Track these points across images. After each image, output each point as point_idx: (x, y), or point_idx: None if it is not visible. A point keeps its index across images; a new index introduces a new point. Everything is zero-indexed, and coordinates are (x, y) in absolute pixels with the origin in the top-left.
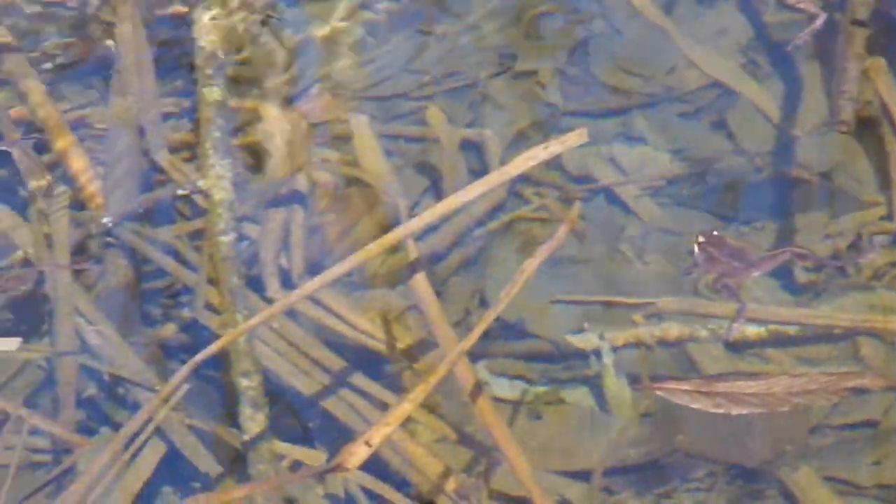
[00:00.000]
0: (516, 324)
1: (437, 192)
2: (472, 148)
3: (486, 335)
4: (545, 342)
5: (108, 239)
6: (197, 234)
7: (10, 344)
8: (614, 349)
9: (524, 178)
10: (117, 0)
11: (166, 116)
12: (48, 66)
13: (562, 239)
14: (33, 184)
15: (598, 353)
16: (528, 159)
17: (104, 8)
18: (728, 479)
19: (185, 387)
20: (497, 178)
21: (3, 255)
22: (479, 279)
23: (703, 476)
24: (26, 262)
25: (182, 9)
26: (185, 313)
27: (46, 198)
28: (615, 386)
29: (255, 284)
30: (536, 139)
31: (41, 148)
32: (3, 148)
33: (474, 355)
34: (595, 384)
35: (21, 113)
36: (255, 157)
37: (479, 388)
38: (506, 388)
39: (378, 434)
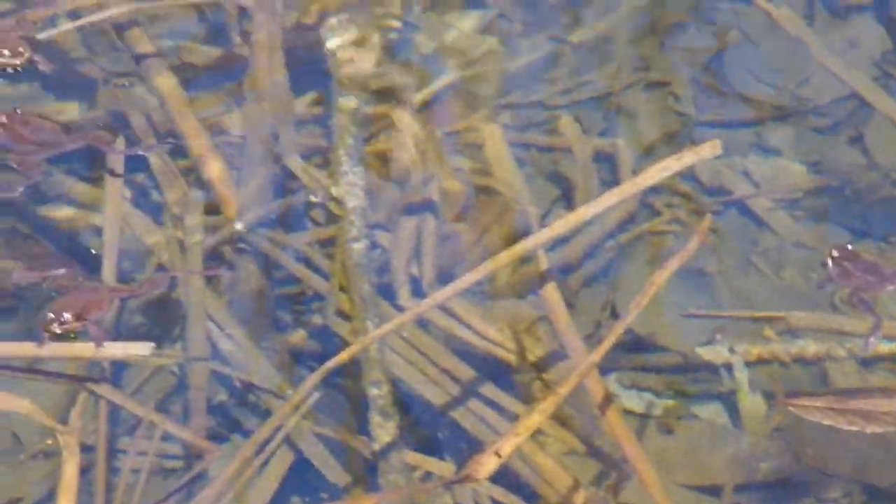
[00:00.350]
0: (647, 337)
1: (569, 202)
2: (604, 158)
3: (616, 347)
4: (675, 355)
5: (241, 245)
6: (329, 241)
7: (143, 349)
8: (747, 364)
9: (656, 189)
10: (254, 8)
11: (300, 123)
12: (186, 72)
13: (692, 251)
14: (168, 189)
15: (729, 368)
16: (661, 170)
17: (241, 16)
18: (863, 500)
19: (315, 394)
20: (629, 189)
21: (138, 260)
22: (609, 291)
23: (839, 496)
24: (160, 268)
25: (316, 17)
26: (316, 320)
27: (181, 203)
28: (749, 401)
29: (386, 292)
30: (669, 150)
31: (177, 153)
32: (140, 153)
33: (604, 368)
34: (727, 399)
35: (158, 118)
36: (388, 165)
37: (608, 400)
38: (635, 401)
39: (507, 445)
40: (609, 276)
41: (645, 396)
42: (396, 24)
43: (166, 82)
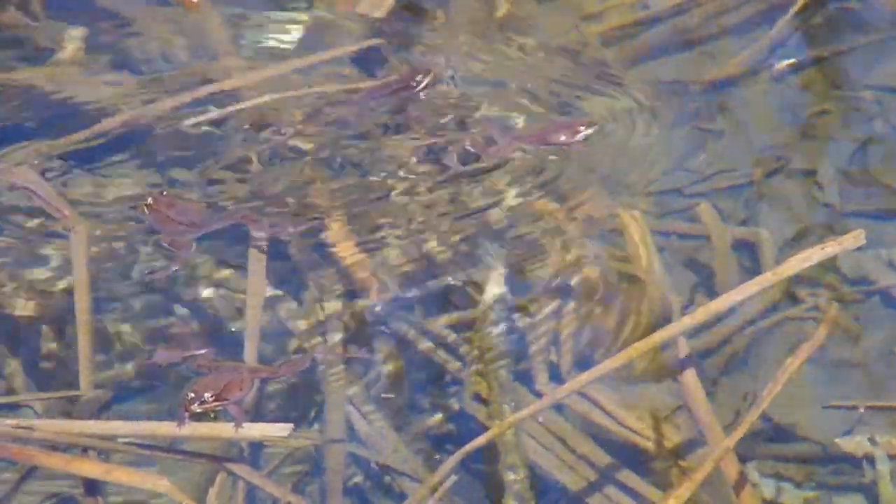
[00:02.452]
0: (788, 426)
1: (708, 289)
2: (745, 246)
3: (756, 436)
4: (816, 446)
5: (380, 328)
6: (467, 325)
7: (282, 430)
8: (889, 456)
9: (798, 278)
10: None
11: (444, 206)
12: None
13: (821, 340)
14: (309, 272)
15: (871, 459)
16: (803, 260)
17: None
18: None
19: (452, 478)
20: (771, 278)
21: (278, 341)
22: (750, 379)
23: None
24: (300, 350)
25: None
26: (454, 404)
27: (321, 286)
28: (891, 493)
29: (524, 377)
30: (812, 240)
31: (318, 236)
32: (283, 236)
33: (744, 456)
34: (868, 490)
35: (299, 201)
36: (529, 250)
37: (746, 487)
38: (773, 490)
39: None
40: (749, 364)
41: (785, 486)
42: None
43: (306, 166)
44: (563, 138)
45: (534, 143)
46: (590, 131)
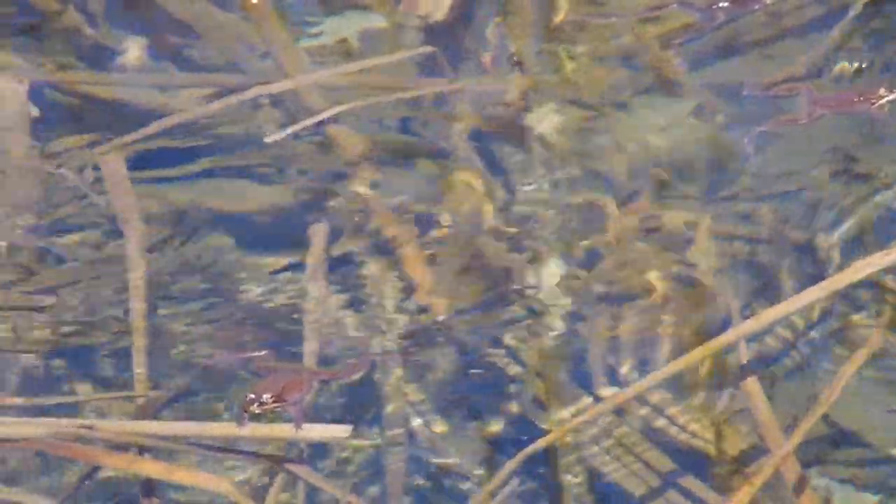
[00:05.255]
0: (851, 431)
1: (769, 294)
2: (807, 250)
3: (820, 441)
4: (881, 451)
5: (440, 330)
6: (526, 327)
7: (342, 431)
8: None
9: (859, 282)
10: (454, 97)
11: (497, 210)
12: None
13: (878, 344)
14: (368, 273)
15: None
16: (867, 266)
17: (437, 103)
18: None
19: (512, 481)
20: (834, 283)
21: (338, 343)
22: (810, 384)
23: None
24: (359, 352)
25: (514, 107)
26: (513, 407)
27: (381, 288)
28: None
29: (584, 381)
30: (876, 244)
31: (375, 238)
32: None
33: (807, 461)
34: None
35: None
36: (590, 255)
37: (807, 492)
38: (835, 495)
39: None
40: (809, 369)
41: (847, 490)
42: (596, 114)
43: (364, 166)
44: (862, 105)
45: (834, 109)
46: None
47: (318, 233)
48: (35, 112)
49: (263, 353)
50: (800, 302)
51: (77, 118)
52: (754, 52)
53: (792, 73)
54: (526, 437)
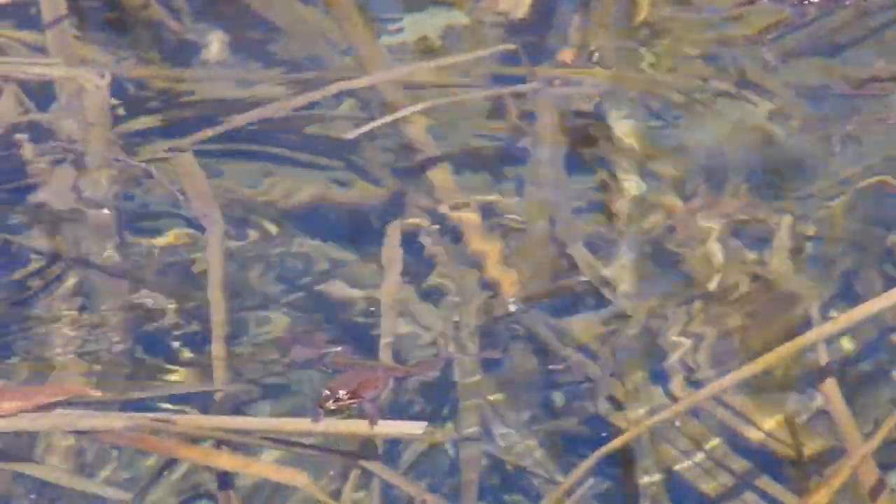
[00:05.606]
0: None
1: (850, 295)
2: (888, 251)
3: None
4: None
5: (515, 327)
6: (602, 325)
7: (417, 428)
8: None
9: None
10: (535, 95)
11: (578, 208)
12: (463, 154)
13: None
14: (444, 270)
15: None
16: None
17: (520, 100)
18: None
19: (588, 481)
20: None
21: (413, 340)
22: (891, 387)
23: None
24: (434, 347)
25: (593, 104)
26: (588, 406)
27: (456, 284)
28: None
29: (660, 380)
30: None
31: (451, 234)
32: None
33: (885, 464)
34: None
35: (433, 199)
36: (667, 254)
37: (884, 494)
38: None
39: None
40: (891, 372)
41: None
42: (679, 113)
43: (441, 164)
44: None
45: None
46: None
47: (394, 230)
48: (117, 105)
49: (339, 349)
50: (881, 303)
51: (158, 113)
52: (841, 50)
53: (879, 73)
54: (602, 436)
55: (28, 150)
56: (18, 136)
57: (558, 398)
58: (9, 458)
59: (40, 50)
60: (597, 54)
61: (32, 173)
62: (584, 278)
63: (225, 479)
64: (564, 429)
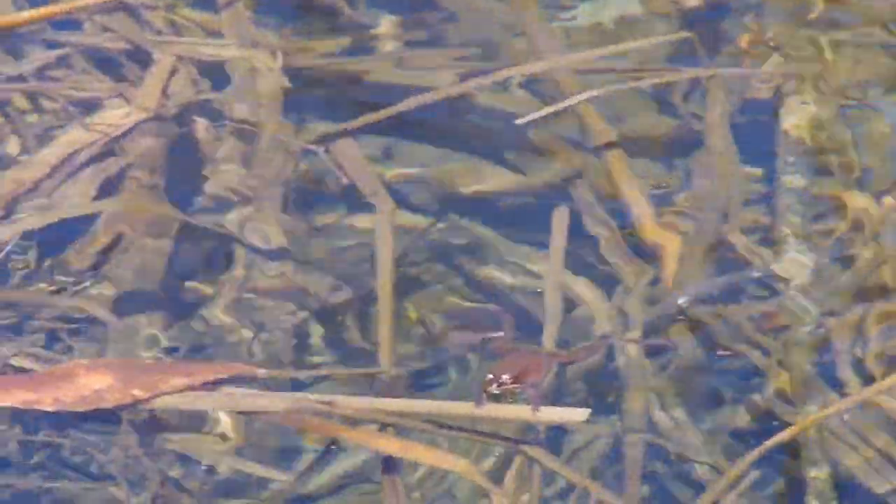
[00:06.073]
0: None
1: None
2: None
3: None
4: None
5: (681, 317)
6: (770, 317)
7: (580, 415)
8: None
9: None
10: (709, 84)
11: (748, 200)
12: (633, 142)
13: None
14: (610, 257)
15: None
16: None
17: (692, 91)
18: None
19: (753, 473)
20: None
21: (577, 326)
22: None
23: None
24: (599, 335)
25: (770, 94)
26: (756, 398)
27: (623, 272)
28: None
29: (829, 374)
30: None
31: (619, 221)
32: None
33: None
34: None
35: (602, 186)
36: (841, 248)
37: None
38: None
39: None
40: None
41: None
42: (856, 100)
43: (614, 152)
44: None
45: None
46: None
47: (561, 217)
48: (289, 87)
49: (501, 334)
50: None
51: (329, 95)
52: None
53: None
54: (768, 429)
55: (202, 130)
56: (193, 115)
57: (725, 389)
58: (175, 434)
59: (215, 31)
60: (773, 42)
61: (205, 152)
62: (754, 271)
63: (390, 463)
64: (730, 420)
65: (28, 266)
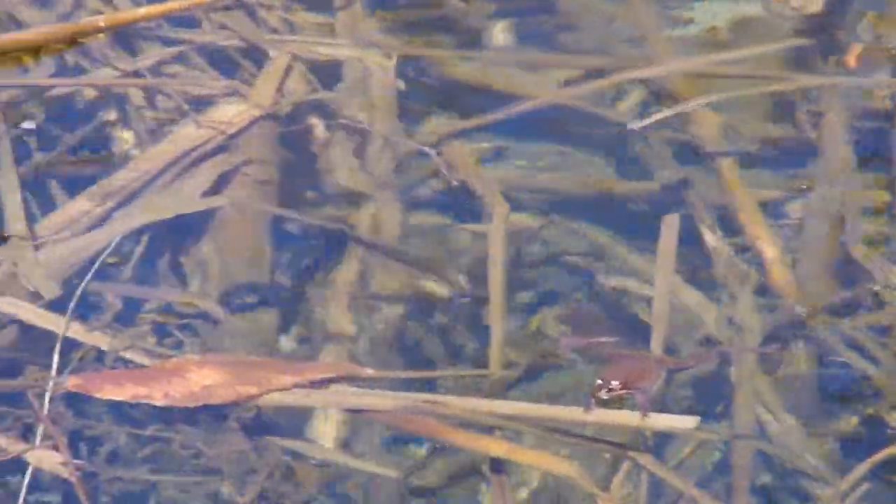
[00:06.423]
0: None
1: None
2: None
3: None
4: None
5: (795, 326)
6: (882, 330)
7: (688, 423)
8: None
9: None
10: (826, 91)
11: (866, 210)
12: (746, 150)
13: None
14: (722, 266)
15: None
16: None
17: (809, 97)
18: None
19: (864, 486)
20: None
21: (686, 333)
22: None
23: None
24: (709, 343)
25: (887, 103)
26: (868, 409)
27: (734, 281)
28: None
29: None
30: None
31: (731, 230)
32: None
33: None
34: None
35: (715, 194)
36: None
37: None
38: None
39: None
40: None
41: None
42: None
43: (727, 159)
44: None
45: None
46: None
47: (671, 223)
48: (402, 88)
49: (613, 339)
50: None
51: (441, 95)
52: None
53: None
54: (880, 441)
55: (315, 128)
56: (307, 114)
57: (837, 400)
58: (282, 430)
59: (330, 30)
60: (892, 52)
61: (318, 151)
62: (872, 283)
63: (498, 464)
64: (842, 431)
65: (139, 261)
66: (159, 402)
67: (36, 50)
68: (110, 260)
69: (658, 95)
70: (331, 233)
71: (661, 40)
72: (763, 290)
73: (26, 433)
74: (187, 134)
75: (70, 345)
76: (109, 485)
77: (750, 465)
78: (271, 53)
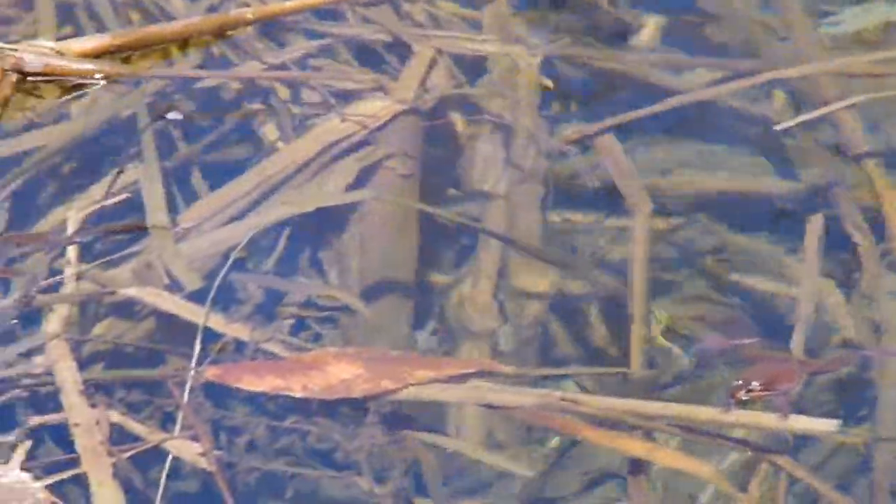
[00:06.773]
0: None
1: None
2: None
3: None
4: None
5: None
6: None
7: (829, 425)
8: None
9: None
10: None
11: None
12: None
13: None
14: (866, 268)
15: None
16: None
17: None
18: None
19: None
20: None
21: (826, 335)
22: None
23: None
24: (847, 344)
25: None
26: None
27: (873, 283)
28: None
29: None
30: None
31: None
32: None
33: None
34: None
35: (864, 199)
36: None
37: None
38: None
39: None
40: None
41: None
42: None
43: (873, 160)
44: None
45: None
46: None
47: (815, 224)
48: (547, 85)
49: (753, 340)
50: None
51: (586, 93)
52: None
53: None
54: None
55: (459, 124)
56: (450, 109)
57: None
58: (420, 425)
59: (475, 26)
60: None
61: (461, 146)
62: None
63: (638, 464)
64: None
65: (280, 253)
66: (298, 394)
67: (184, 42)
68: (251, 252)
69: (804, 95)
70: (471, 229)
71: (809, 41)
72: None
73: (166, 423)
74: (331, 127)
75: (210, 336)
76: (247, 475)
77: (892, 469)
78: (415, 47)
